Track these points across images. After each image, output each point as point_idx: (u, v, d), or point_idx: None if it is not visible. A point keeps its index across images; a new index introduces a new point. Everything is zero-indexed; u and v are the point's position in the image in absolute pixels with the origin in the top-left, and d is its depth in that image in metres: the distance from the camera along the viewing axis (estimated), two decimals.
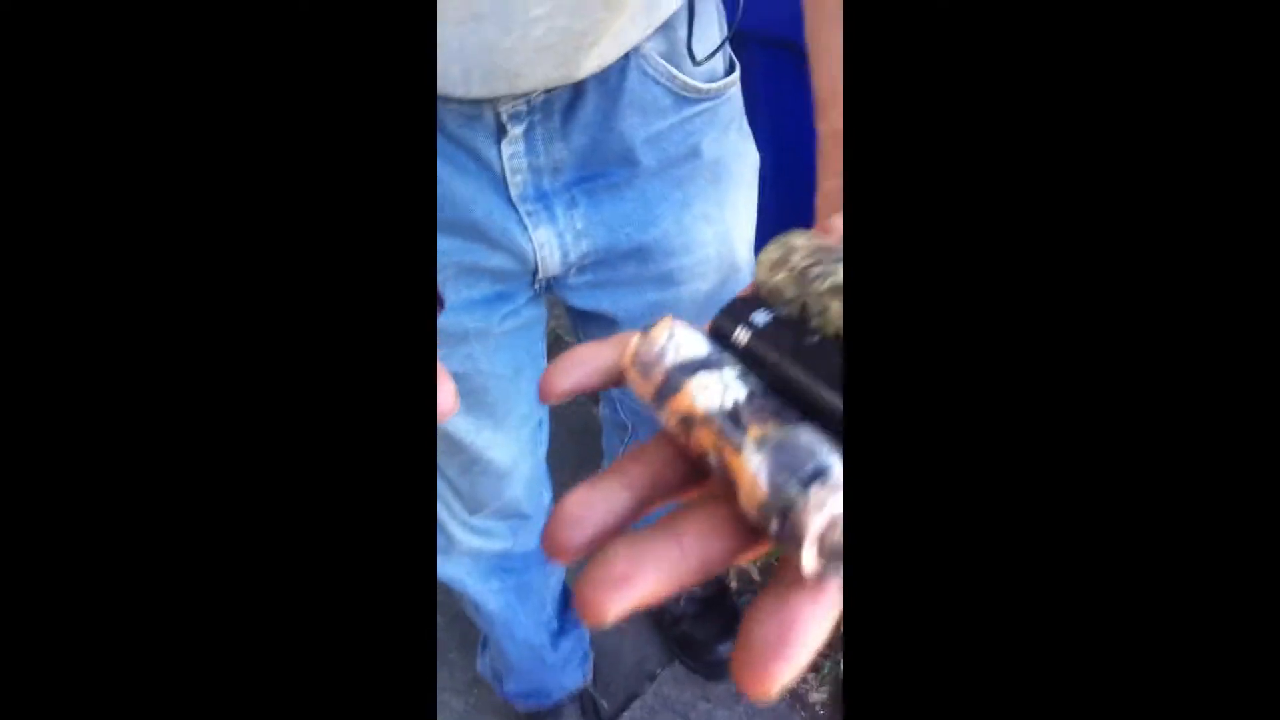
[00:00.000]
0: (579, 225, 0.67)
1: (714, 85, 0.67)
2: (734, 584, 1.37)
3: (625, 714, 1.28)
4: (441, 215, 0.63)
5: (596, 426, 1.23)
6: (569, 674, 1.19)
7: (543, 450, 0.92)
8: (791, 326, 0.26)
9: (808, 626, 0.20)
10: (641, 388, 0.25)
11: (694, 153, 0.69)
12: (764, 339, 0.25)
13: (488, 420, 0.79)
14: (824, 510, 0.21)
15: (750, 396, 0.23)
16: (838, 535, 0.21)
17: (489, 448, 0.81)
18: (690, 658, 1.29)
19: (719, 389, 0.24)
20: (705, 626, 1.28)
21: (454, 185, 0.62)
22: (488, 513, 0.90)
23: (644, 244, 0.70)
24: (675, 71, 0.64)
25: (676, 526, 0.22)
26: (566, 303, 0.77)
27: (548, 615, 1.12)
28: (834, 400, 0.24)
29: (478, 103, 0.59)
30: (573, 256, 0.69)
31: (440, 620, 1.37)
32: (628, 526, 0.23)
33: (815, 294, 0.26)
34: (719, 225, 0.73)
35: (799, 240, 0.27)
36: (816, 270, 0.26)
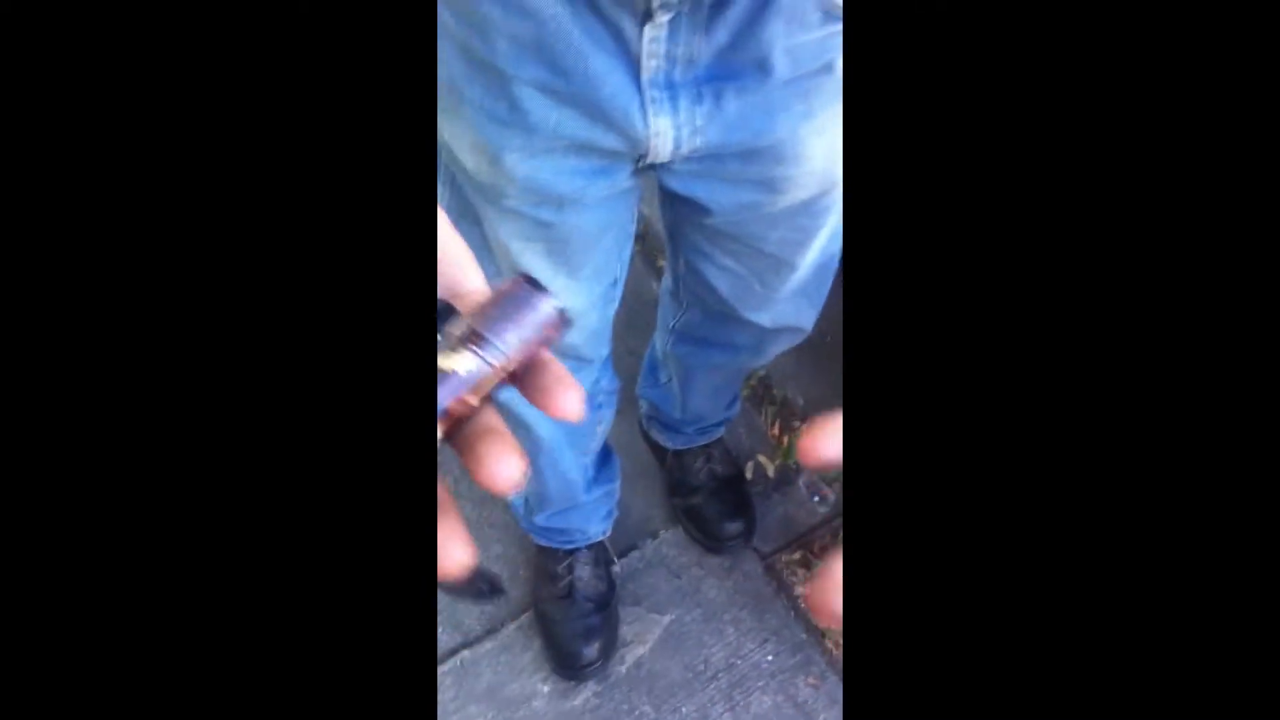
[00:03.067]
0: (699, 121, 0.69)
1: None
2: (750, 474, 1.44)
3: (622, 560, 1.37)
4: (570, 88, 0.66)
5: (653, 297, 1.27)
6: (595, 522, 1.28)
7: (613, 309, 0.96)
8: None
9: None
10: None
11: (827, 69, 0.70)
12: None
13: (564, 268, 0.83)
14: None
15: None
16: None
17: (562, 293, 0.86)
18: (695, 529, 1.37)
19: None
20: (716, 504, 1.36)
21: (589, 59, 0.64)
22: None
23: (757, 148, 0.72)
24: None
25: None
26: (663, 184, 0.79)
27: (586, 462, 1.19)
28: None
29: None
30: (684, 149, 0.71)
31: None
32: None
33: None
34: (833, 140, 0.75)
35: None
36: None
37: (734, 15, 0.64)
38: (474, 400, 0.28)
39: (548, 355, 0.29)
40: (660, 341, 1.23)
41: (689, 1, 0.62)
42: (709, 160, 0.74)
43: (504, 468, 0.26)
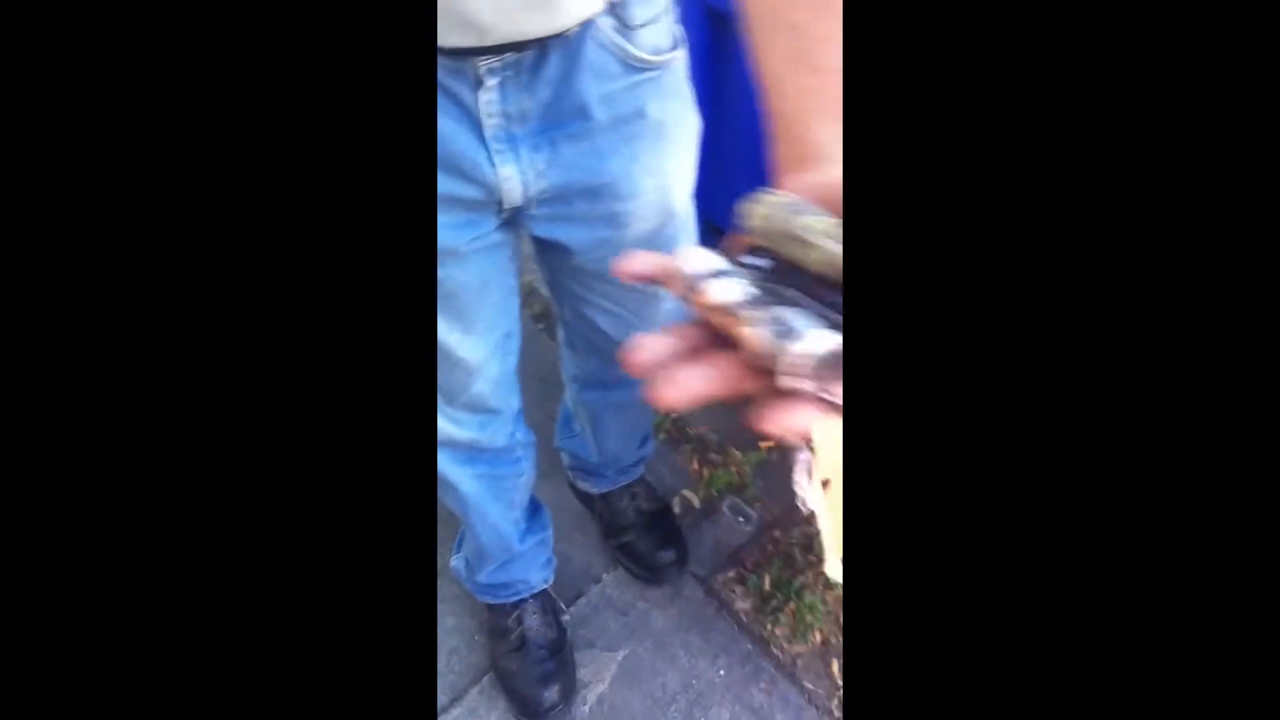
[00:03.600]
0: (540, 166, 0.82)
1: (659, 57, 0.82)
2: (677, 508, 1.53)
3: (571, 608, 1.44)
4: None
5: (553, 353, 1.39)
6: (534, 571, 1.35)
7: (512, 360, 1.06)
8: (778, 262, 0.37)
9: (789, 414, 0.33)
10: (677, 288, 0.36)
11: (640, 114, 0.83)
12: (763, 269, 0.37)
13: (458, 323, 0.94)
14: (798, 356, 0.32)
15: (756, 294, 0.35)
16: (801, 368, 0.33)
17: (459, 346, 0.96)
18: (633, 564, 1.46)
19: (733, 289, 0.35)
20: (648, 537, 1.45)
21: (440, 124, 0.77)
22: (459, 404, 1.05)
23: (594, 186, 0.85)
24: (624, 43, 0.79)
25: (713, 362, 0.35)
26: (530, 232, 0.91)
27: (515, 515, 1.27)
28: (804, 299, 0.35)
29: (461, 56, 0.73)
30: (532, 191, 0.83)
31: None
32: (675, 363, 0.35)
33: (799, 236, 0.35)
34: (659, 177, 0.88)
35: (774, 198, 0.37)
36: (797, 220, 0.36)
37: (549, 74, 0.77)
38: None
39: None
40: (568, 393, 1.34)
41: (510, 67, 0.75)
42: (559, 203, 0.86)
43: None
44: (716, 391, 0.34)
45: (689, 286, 0.35)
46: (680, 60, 0.86)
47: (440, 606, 1.47)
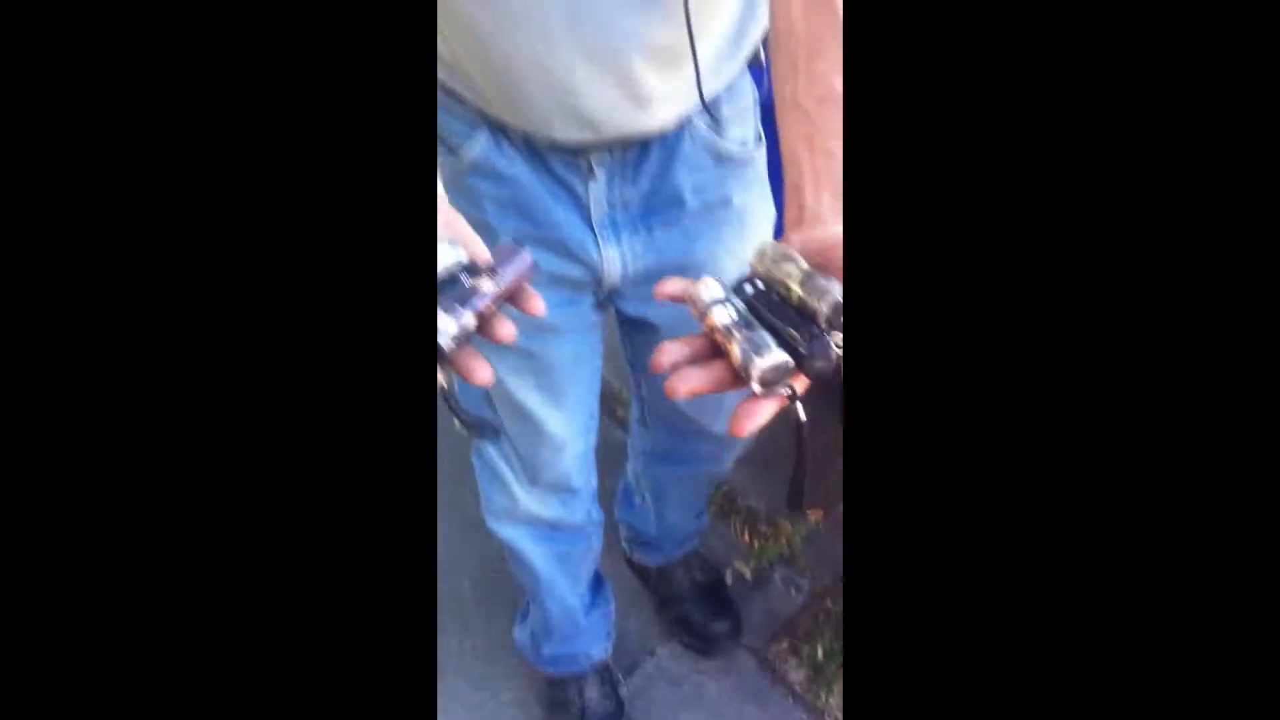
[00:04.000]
0: (638, 249, 0.90)
1: (744, 151, 0.90)
2: (730, 580, 1.57)
3: (628, 680, 1.47)
4: (540, 233, 0.86)
5: (617, 440, 1.45)
6: (597, 644, 1.39)
7: (593, 439, 1.13)
8: (767, 293, 0.51)
9: (758, 409, 0.45)
10: (693, 310, 0.51)
11: (726, 202, 0.91)
12: (754, 297, 0.51)
13: (551, 398, 1.01)
14: (760, 368, 0.46)
15: (740, 319, 0.49)
16: (771, 379, 0.46)
17: (549, 420, 1.03)
18: (688, 635, 1.49)
19: (726, 314, 0.49)
20: (702, 608, 1.49)
21: (552, 210, 0.85)
22: (544, 484, 1.11)
23: (683, 266, 0.93)
24: (715, 139, 0.87)
25: (711, 366, 0.47)
26: (621, 311, 0.99)
27: (582, 590, 1.32)
28: (782, 326, 0.48)
29: (577, 151, 0.82)
30: (630, 271, 0.91)
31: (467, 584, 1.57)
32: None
33: (780, 278, 0.51)
34: (740, 257, 0.96)
35: (774, 248, 0.52)
36: (783, 266, 0.51)
37: (650, 167, 0.85)
38: (492, 308, 0.50)
39: (527, 286, 0.53)
40: (632, 467, 1.40)
41: (617, 161, 0.84)
42: (651, 282, 0.93)
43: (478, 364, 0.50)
44: (710, 387, 0.48)
45: (700, 310, 0.51)
46: (762, 154, 0.94)
47: (500, 681, 1.50)
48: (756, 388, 0.47)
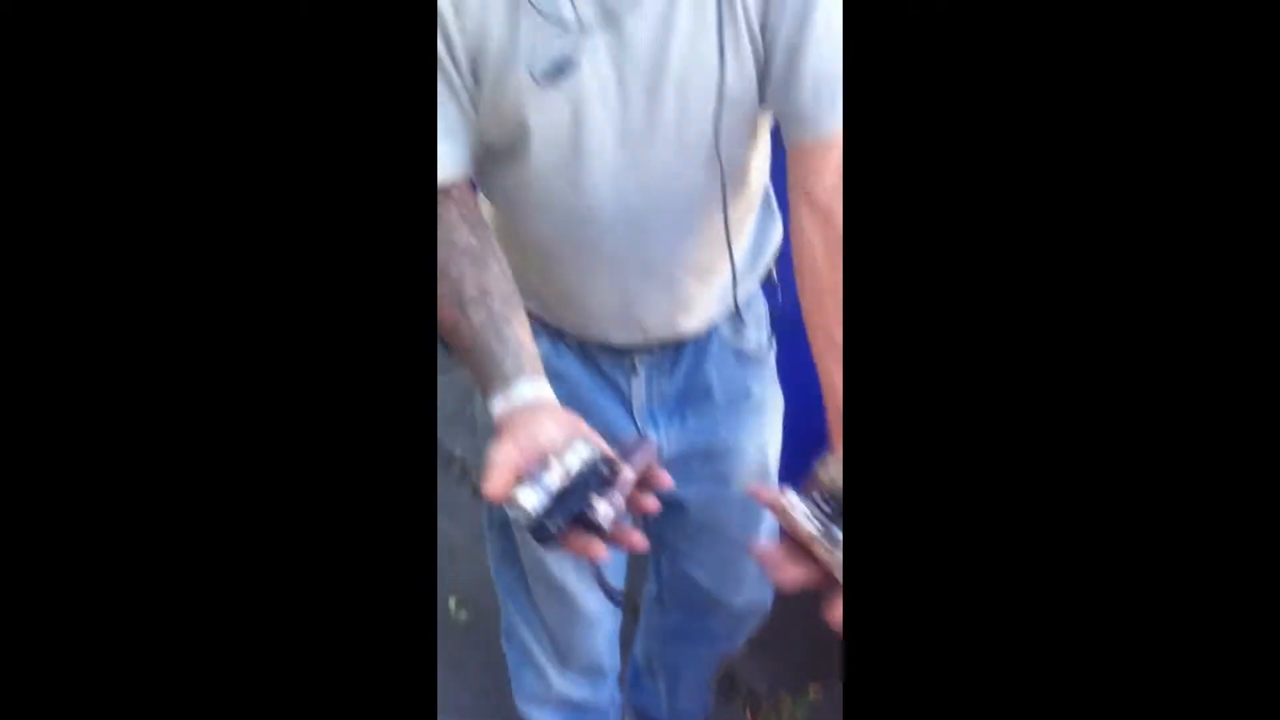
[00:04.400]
0: (673, 434, 1.02)
1: (760, 351, 1.05)
2: None
3: None
4: (587, 421, 0.99)
5: None
6: None
7: (619, 619, 1.21)
8: (829, 500, 0.62)
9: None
10: (781, 517, 0.62)
11: (746, 394, 1.06)
12: (822, 502, 0.62)
13: (585, 577, 1.10)
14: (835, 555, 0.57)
15: (822, 526, 0.60)
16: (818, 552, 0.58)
17: (581, 596, 1.12)
18: None
19: (812, 525, 0.60)
20: None
21: (599, 401, 0.98)
22: (577, 667, 1.18)
23: (711, 450, 1.06)
24: (738, 343, 1.02)
25: (802, 563, 0.58)
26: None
27: None
28: (832, 527, 0.60)
29: (621, 352, 0.96)
30: (665, 454, 1.03)
31: None
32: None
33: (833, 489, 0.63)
34: (758, 439, 1.09)
35: (833, 463, 0.64)
36: (837, 478, 0.63)
37: (684, 366, 1.00)
38: (622, 504, 0.62)
39: (655, 466, 0.65)
40: (644, 648, 1.46)
41: (656, 360, 0.98)
42: (681, 464, 1.06)
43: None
44: (807, 583, 0.60)
45: (789, 518, 0.62)
46: (773, 354, 1.10)
47: None
48: (829, 569, 0.60)
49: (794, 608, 1.48)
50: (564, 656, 1.17)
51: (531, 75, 0.73)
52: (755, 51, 0.76)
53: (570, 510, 0.60)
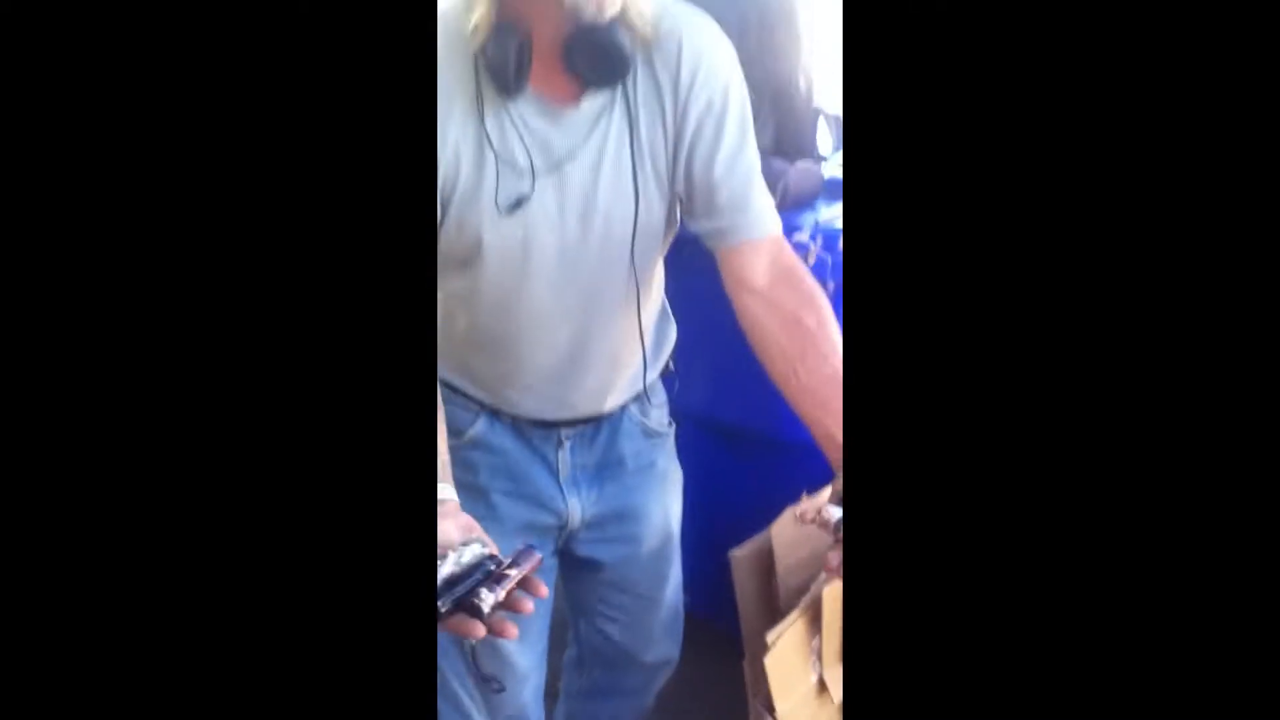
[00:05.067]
0: (592, 499, 1.23)
1: (664, 429, 1.28)
2: None
3: None
4: (521, 489, 1.19)
5: None
6: None
7: (543, 678, 1.37)
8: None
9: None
10: (816, 520, 0.93)
11: (652, 464, 1.27)
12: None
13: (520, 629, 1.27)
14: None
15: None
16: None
17: (514, 652, 1.28)
18: None
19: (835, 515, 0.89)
20: None
21: (531, 472, 1.18)
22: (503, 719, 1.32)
23: (623, 513, 1.26)
24: (645, 421, 1.24)
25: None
26: (572, 553, 1.29)
27: None
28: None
29: (554, 426, 1.17)
30: (586, 517, 1.23)
31: None
32: None
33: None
34: (663, 507, 1.30)
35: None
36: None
37: (602, 439, 1.21)
38: (503, 597, 0.75)
39: (533, 575, 0.78)
40: (566, 710, 1.61)
41: (579, 435, 1.19)
42: (598, 527, 1.26)
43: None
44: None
45: (824, 519, 0.90)
46: (673, 432, 1.32)
47: None
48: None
49: (705, 657, 1.64)
50: (493, 711, 1.32)
51: (496, 205, 0.98)
52: (667, 190, 1.04)
53: (456, 596, 0.73)
